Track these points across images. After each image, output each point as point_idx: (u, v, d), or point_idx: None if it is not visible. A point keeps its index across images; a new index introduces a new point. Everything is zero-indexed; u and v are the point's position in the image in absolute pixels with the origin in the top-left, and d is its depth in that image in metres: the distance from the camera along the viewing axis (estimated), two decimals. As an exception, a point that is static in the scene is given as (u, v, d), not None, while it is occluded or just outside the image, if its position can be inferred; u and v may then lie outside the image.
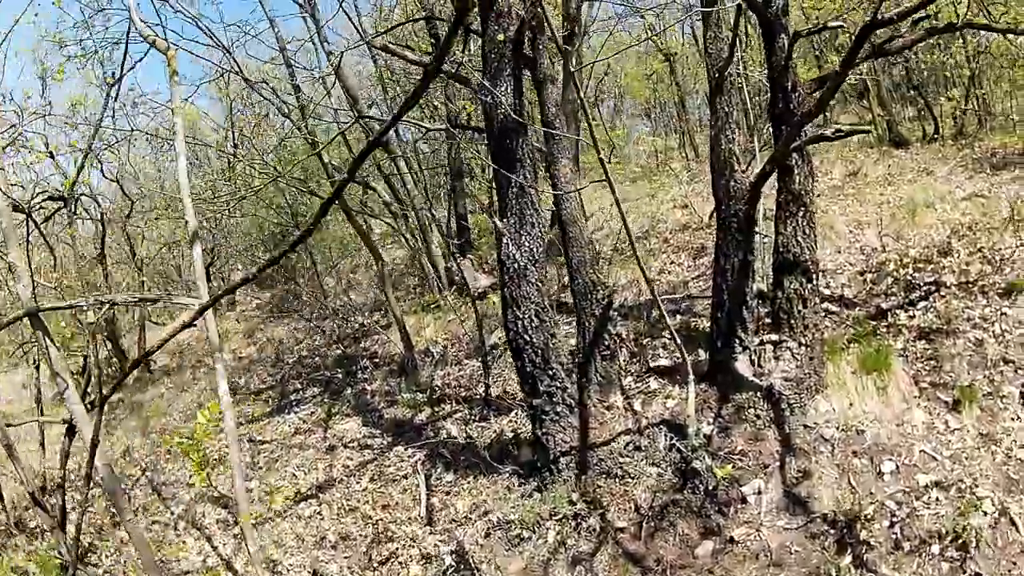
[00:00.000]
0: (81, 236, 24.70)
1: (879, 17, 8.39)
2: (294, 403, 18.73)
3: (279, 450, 16.59)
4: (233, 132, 25.75)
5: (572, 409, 11.52)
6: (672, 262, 18.05)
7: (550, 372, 11.23)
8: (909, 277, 13.52)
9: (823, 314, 12.33)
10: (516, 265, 10.95)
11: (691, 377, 10.46)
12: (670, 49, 28.37)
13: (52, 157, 19.58)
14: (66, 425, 12.94)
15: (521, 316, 11.05)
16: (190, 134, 23.89)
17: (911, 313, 12.52)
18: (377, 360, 18.98)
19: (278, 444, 16.86)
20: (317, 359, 20.85)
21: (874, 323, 12.57)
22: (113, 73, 17.11)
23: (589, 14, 20.54)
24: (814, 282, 11.61)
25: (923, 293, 12.90)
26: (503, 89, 10.66)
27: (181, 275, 31.24)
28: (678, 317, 14.94)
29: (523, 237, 10.89)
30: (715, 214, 12.26)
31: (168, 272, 31.47)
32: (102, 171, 25.44)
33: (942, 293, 12.69)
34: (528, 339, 11.12)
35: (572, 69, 14.42)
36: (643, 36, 25.11)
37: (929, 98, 24.21)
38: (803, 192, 11.64)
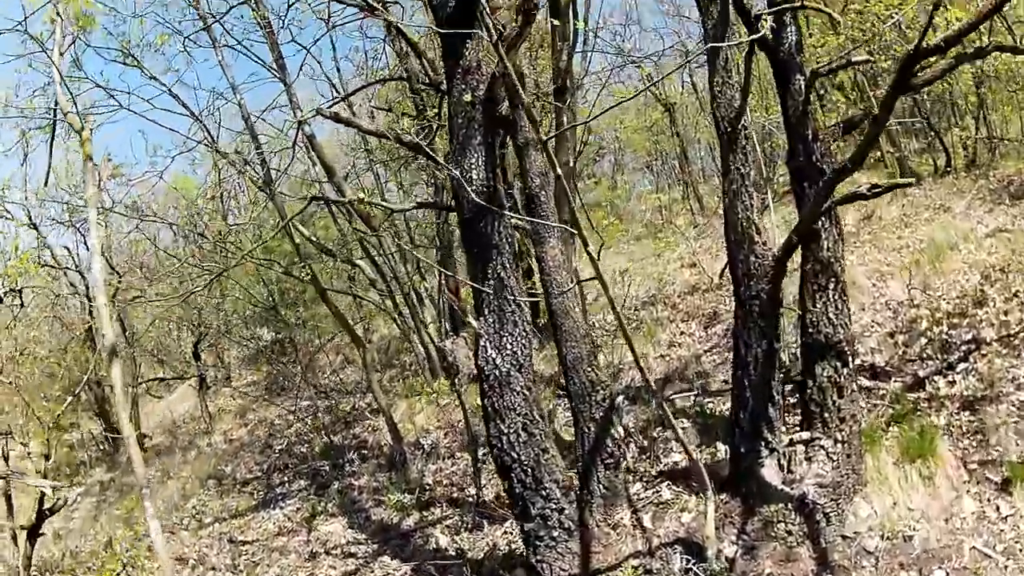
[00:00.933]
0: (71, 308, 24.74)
1: (924, 46, 7.01)
2: (280, 496, 17.71)
3: (261, 552, 15.55)
4: (223, 201, 24.71)
5: (571, 532, 9.78)
6: (682, 332, 16.82)
7: (543, 492, 9.54)
8: (944, 336, 12.23)
9: (859, 393, 10.69)
10: (497, 372, 9.28)
11: (710, 492, 9.18)
12: (669, 99, 27.49)
13: (35, 228, 18.95)
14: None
15: (506, 431, 9.36)
16: (177, 203, 22.96)
17: (951, 379, 11.18)
18: (366, 451, 17.84)
19: (260, 545, 15.81)
20: (305, 448, 19.83)
21: (913, 396, 11.14)
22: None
23: (582, 65, 19.34)
24: (850, 366, 10.08)
25: (962, 354, 11.56)
26: (473, 161, 9.07)
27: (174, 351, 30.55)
28: (691, 398, 13.66)
29: (504, 339, 9.23)
30: (733, 295, 10.62)
31: (165, 345, 30.50)
32: (86, 244, 24.58)
33: (982, 351, 11.40)
34: (515, 456, 9.43)
35: (565, 127, 13.08)
36: (641, 87, 23.96)
37: (938, 128, 22.97)
38: (833, 260, 10.16)
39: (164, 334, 30.08)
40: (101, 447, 25.66)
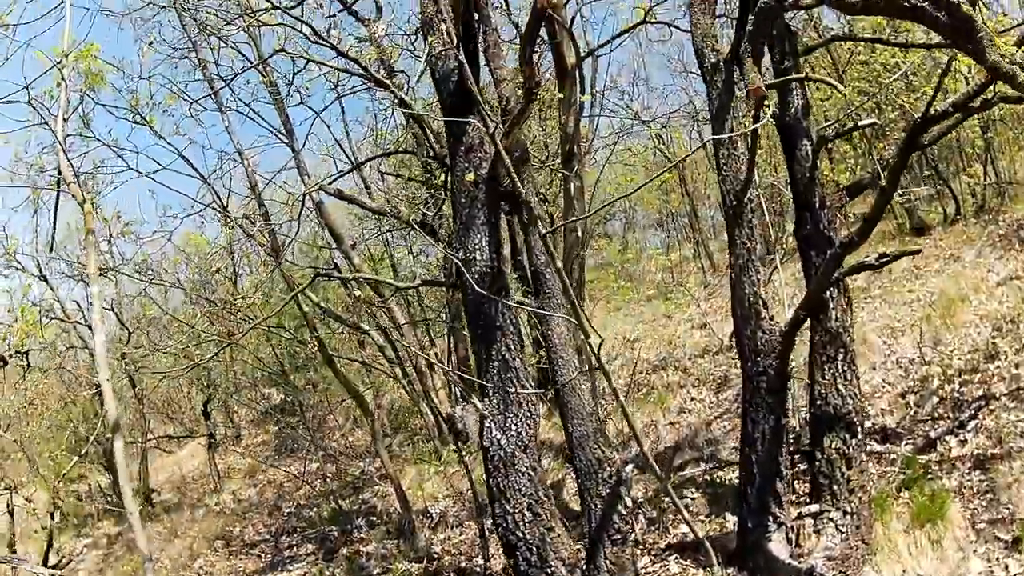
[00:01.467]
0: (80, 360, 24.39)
1: (932, 112, 6.99)
2: (287, 560, 17.48)
3: (268, 617, 15.17)
4: (234, 263, 24.73)
5: (577, 610, 9.65)
6: (692, 398, 16.66)
7: (548, 570, 9.38)
8: (955, 393, 12.10)
9: (868, 461, 10.59)
10: (502, 453, 9.16)
11: (717, 568, 9.15)
12: (678, 157, 27.28)
13: (46, 280, 18.93)
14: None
15: (511, 511, 9.24)
16: (188, 260, 22.89)
17: (962, 437, 11.03)
18: (374, 517, 17.61)
19: (266, 616, 15.41)
20: (313, 512, 19.54)
21: (924, 459, 10.95)
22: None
23: (591, 128, 19.38)
24: (859, 436, 10.00)
25: (973, 411, 11.38)
26: (476, 242, 9.02)
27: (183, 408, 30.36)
28: (701, 464, 13.55)
29: (509, 419, 9.14)
30: (741, 371, 10.49)
31: (175, 400, 30.38)
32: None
33: (991, 407, 11.25)
34: (521, 535, 9.29)
35: (573, 196, 13.07)
36: (650, 146, 24.00)
37: (946, 175, 22.85)
38: (841, 330, 10.13)
39: (174, 390, 29.90)
40: (109, 499, 25.51)
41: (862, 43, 17.08)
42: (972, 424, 11.13)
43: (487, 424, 9.22)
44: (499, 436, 9.16)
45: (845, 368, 10.12)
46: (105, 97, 13.97)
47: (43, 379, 20.88)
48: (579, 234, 13.68)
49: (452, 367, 19.35)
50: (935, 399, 12.29)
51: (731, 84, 10.19)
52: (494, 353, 9.00)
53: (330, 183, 12.42)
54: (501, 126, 8.10)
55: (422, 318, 20.54)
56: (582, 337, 9.48)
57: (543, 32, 14.17)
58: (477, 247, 9.00)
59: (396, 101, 11.46)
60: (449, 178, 10.66)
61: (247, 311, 16.24)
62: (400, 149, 15.16)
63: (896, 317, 15.70)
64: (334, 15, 13.11)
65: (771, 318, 9.97)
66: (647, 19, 14.32)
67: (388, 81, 10.47)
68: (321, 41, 9.92)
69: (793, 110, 10.67)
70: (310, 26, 9.49)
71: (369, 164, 18.65)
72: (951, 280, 16.12)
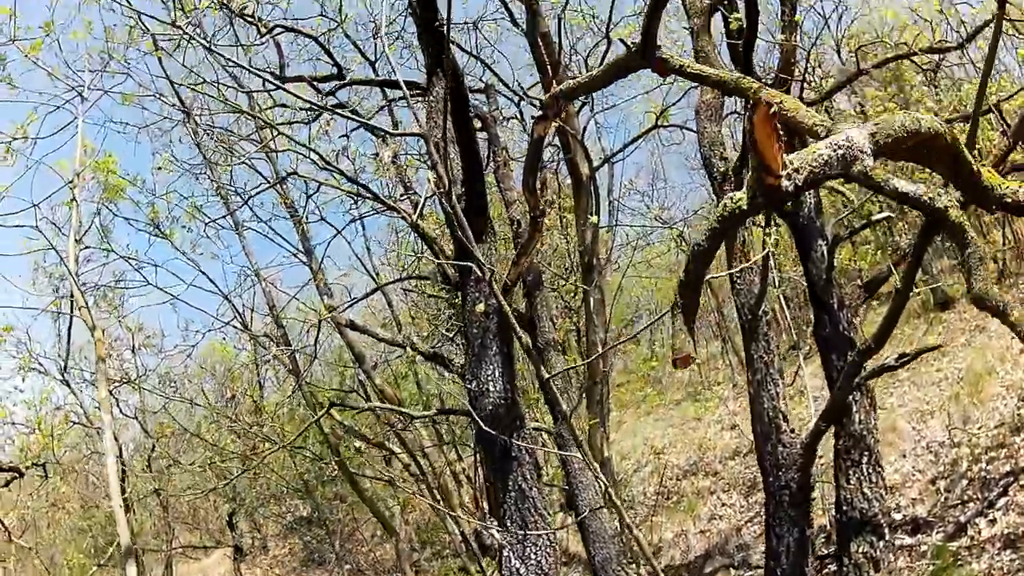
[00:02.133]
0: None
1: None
2: None
3: None
4: (259, 375, 24.66)
5: None
6: (723, 504, 16.55)
7: None
8: (983, 472, 11.87)
9: (897, 551, 10.43)
10: (521, 583, 8.97)
11: None
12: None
13: (68, 385, 18.92)
14: None
15: (534, 639, 9.03)
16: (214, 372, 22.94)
17: (991, 517, 10.71)
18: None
19: None
20: None
21: (954, 546, 10.63)
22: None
23: (610, 237, 19.33)
24: (886, 538, 9.78)
25: (1001, 488, 11.13)
26: (489, 373, 8.88)
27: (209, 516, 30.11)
28: (732, 572, 13.49)
29: (528, 549, 8.93)
30: (763, 486, 10.31)
31: (202, 508, 30.16)
32: (119, 408, 24.50)
33: (1020, 481, 11.03)
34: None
35: (593, 311, 12.98)
36: (671, 247, 23.92)
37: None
38: (865, 433, 10.02)
39: (200, 499, 29.68)
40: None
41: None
42: (1001, 502, 10.87)
43: (506, 554, 9.02)
44: (518, 566, 8.95)
45: (870, 471, 9.98)
46: (123, 208, 14.07)
47: (65, 483, 20.79)
48: (601, 350, 13.56)
49: (478, 485, 19.13)
50: (964, 481, 12.07)
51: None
52: (510, 483, 8.83)
53: (349, 306, 12.40)
54: (498, 276, 8.03)
55: (448, 436, 20.30)
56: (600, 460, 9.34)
57: (557, 142, 14.28)
58: (490, 378, 8.85)
59: (410, 224, 11.48)
60: (461, 311, 10.59)
61: (271, 427, 16.18)
62: (416, 275, 15.11)
63: (925, 399, 15.54)
64: (347, 134, 13.27)
65: (792, 431, 9.84)
66: (659, 123, 14.43)
67: (401, 204, 10.49)
68: (331, 168, 9.96)
69: (806, 210, 10.65)
70: (318, 154, 9.49)
71: (388, 272, 18.68)
72: (977, 353, 15.95)
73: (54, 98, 10.65)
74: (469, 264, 8.53)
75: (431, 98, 9.44)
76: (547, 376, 6.50)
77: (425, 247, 15.25)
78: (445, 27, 7.92)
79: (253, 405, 18.94)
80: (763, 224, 9.64)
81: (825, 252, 10.50)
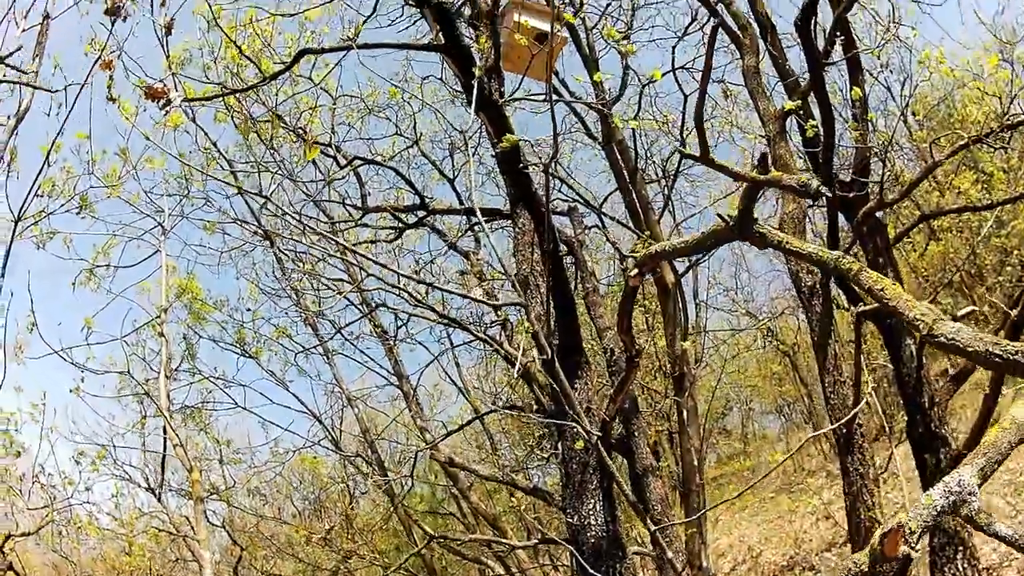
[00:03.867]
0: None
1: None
2: None
3: None
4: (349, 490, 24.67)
5: None
6: (822, 602, 15.96)
7: None
8: None
9: None
10: None
11: None
12: (786, 345, 26.67)
13: (156, 496, 18.97)
14: None
15: None
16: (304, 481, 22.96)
17: None
18: None
19: None
20: None
21: None
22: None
23: (699, 336, 19.19)
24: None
25: None
26: (590, 508, 8.79)
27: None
28: None
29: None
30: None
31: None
32: (207, 518, 24.54)
33: None
34: None
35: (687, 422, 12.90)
36: (759, 339, 23.76)
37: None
38: (959, 528, 9.83)
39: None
40: None
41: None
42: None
43: None
44: None
45: (965, 566, 9.75)
46: (210, 324, 14.20)
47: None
48: (694, 458, 13.41)
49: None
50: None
51: (829, 307, 10.15)
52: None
53: (446, 437, 12.44)
54: (595, 412, 8.00)
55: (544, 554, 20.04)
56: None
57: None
58: (591, 512, 8.76)
59: (503, 355, 11.53)
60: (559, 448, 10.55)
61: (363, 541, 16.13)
62: (512, 405, 15.01)
63: (1019, 470, 15.19)
64: (433, 259, 13.40)
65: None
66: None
67: (493, 337, 10.54)
68: (421, 307, 10.05)
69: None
70: (408, 292, 9.60)
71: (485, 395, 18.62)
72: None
73: (134, 225, 10.57)
74: (574, 378, 8.57)
75: (517, 230, 9.55)
76: (654, 529, 6.45)
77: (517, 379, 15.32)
78: (525, 165, 8.08)
79: (344, 518, 18.91)
80: (855, 341, 9.52)
81: (914, 351, 10.35)
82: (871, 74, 12.88)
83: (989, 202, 13.02)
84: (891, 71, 13.43)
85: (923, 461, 10.38)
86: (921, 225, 18.52)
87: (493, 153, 9.61)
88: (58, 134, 5.78)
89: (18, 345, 8.72)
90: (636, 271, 6.17)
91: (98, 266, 10.54)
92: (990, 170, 16.37)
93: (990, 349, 3.56)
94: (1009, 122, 11.33)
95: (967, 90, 14.82)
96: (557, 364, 6.15)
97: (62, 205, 8.40)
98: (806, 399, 29.92)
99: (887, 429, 16.72)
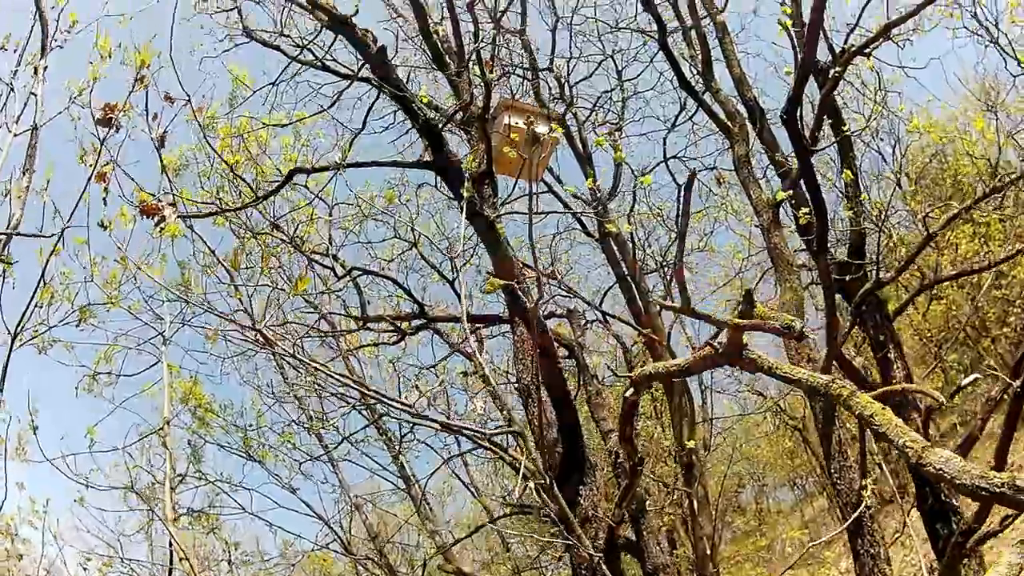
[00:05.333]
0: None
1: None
2: None
3: None
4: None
5: None
6: None
7: None
8: None
9: None
10: None
11: None
12: (796, 419, 26.48)
13: None
14: None
15: None
16: None
17: None
18: None
19: None
20: None
21: None
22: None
23: (707, 421, 19.13)
24: None
25: None
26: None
27: None
28: None
29: None
30: None
31: None
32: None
33: None
34: None
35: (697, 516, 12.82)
36: (768, 417, 23.71)
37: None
38: None
39: None
40: None
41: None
42: None
43: None
44: None
45: None
46: (214, 426, 14.15)
47: None
48: (706, 545, 13.34)
49: None
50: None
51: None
52: None
53: (456, 544, 12.39)
54: (601, 518, 8.02)
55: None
56: None
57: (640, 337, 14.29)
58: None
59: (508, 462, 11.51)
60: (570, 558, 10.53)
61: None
62: (520, 509, 14.96)
63: None
64: (435, 364, 13.45)
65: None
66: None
67: (499, 448, 10.53)
68: (423, 417, 10.04)
69: (895, 382, 10.53)
70: (408, 406, 9.59)
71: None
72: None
73: (134, 334, 10.51)
74: (577, 489, 8.59)
75: (516, 338, 9.63)
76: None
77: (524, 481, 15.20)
78: (520, 281, 8.18)
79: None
80: (858, 429, 9.54)
81: (920, 424, 10.35)
82: (863, 141, 13.06)
83: (987, 258, 13.08)
84: (882, 138, 13.63)
85: (935, 531, 10.38)
86: (920, 286, 18.68)
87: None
88: (52, 252, 5.74)
89: (19, 446, 8.58)
90: (633, 390, 6.23)
91: (100, 373, 10.47)
92: (987, 221, 16.48)
93: (977, 483, 3.60)
94: (999, 183, 11.47)
95: (957, 144, 15.00)
96: (556, 488, 6.16)
97: (62, 320, 8.36)
98: (819, 470, 29.79)
99: (898, 497, 16.67)
